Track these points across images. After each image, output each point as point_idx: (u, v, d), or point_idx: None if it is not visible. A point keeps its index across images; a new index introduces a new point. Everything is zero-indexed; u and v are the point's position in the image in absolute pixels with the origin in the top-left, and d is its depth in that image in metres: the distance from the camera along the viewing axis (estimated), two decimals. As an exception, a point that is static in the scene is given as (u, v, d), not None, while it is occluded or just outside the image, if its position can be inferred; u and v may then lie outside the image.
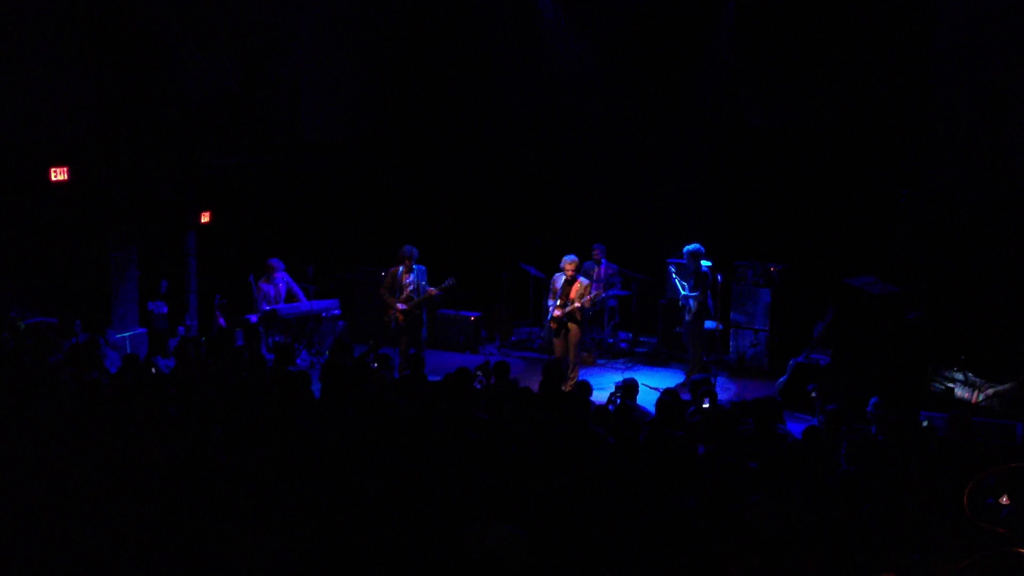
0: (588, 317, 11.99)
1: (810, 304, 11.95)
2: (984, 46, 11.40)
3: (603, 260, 13.13)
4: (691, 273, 11.81)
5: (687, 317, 11.90)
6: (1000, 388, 9.96)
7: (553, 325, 11.38)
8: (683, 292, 11.88)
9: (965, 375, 10.22)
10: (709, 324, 12.12)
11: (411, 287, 11.64)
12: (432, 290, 11.65)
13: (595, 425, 7.54)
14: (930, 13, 11.83)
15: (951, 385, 10.22)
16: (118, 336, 11.81)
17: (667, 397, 8.14)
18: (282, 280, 12.62)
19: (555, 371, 9.03)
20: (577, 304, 11.20)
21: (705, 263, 11.94)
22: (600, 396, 9.56)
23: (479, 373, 8.91)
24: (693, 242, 11.86)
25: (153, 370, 9.29)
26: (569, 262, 11.27)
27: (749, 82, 13.44)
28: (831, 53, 12.54)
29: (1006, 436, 8.72)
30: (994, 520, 5.64)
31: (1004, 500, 6.08)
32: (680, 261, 12.38)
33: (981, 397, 9.93)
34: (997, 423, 8.99)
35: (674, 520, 5.59)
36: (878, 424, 8.12)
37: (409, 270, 11.64)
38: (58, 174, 11.43)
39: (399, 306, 11.59)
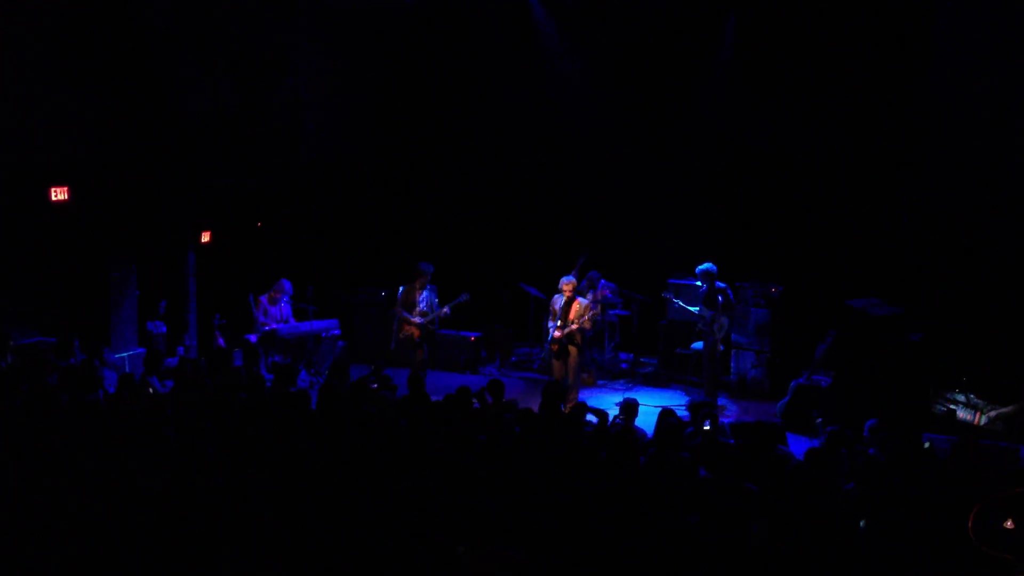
0: (588, 338, 11.93)
1: (811, 325, 11.88)
2: (983, 69, 11.41)
3: (600, 282, 13.07)
4: (705, 293, 11.51)
5: (718, 335, 11.62)
6: (1003, 410, 9.88)
7: (554, 347, 11.34)
8: (705, 313, 11.58)
9: (967, 397, 10.14)
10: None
11: (423, 304, 11.69)
12: (445, 311, 11.86)
13: (595, 447, 7.48)
14: (929, 36, 11.86)
15: (953, 407, 10.15)
16: (117, 356, 11.79)
17: (669, 419, 8.08)
18: (287, 305, 12.66)
19: (555, 392, 8.98)
20: (575, 326, 11.15)
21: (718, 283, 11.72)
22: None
23: (475, 401, 8.88)
24: (705, 261, 11.60)
25: (151, 390, 9.24)
26: (567, 283, 11.24)
27: (749, 102, 13.46)
28: (831, 74, 12.57)
29: (1010, 460, 8.63)
30: (999, 546, 5.58)
31: (1009, 525, 6.01)
32: (678, 282, 12.29)
33: (984, 419, 9.86)
34: (1001, 446, 8.92)
35: (676, 542, 5.53)
36: (877, 446, 8.06)
37: (423, 287, 11.70)
38: (58, 194, 11.48)
39: (416, 320, 11.63)
